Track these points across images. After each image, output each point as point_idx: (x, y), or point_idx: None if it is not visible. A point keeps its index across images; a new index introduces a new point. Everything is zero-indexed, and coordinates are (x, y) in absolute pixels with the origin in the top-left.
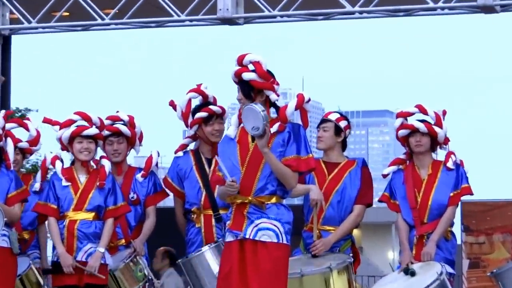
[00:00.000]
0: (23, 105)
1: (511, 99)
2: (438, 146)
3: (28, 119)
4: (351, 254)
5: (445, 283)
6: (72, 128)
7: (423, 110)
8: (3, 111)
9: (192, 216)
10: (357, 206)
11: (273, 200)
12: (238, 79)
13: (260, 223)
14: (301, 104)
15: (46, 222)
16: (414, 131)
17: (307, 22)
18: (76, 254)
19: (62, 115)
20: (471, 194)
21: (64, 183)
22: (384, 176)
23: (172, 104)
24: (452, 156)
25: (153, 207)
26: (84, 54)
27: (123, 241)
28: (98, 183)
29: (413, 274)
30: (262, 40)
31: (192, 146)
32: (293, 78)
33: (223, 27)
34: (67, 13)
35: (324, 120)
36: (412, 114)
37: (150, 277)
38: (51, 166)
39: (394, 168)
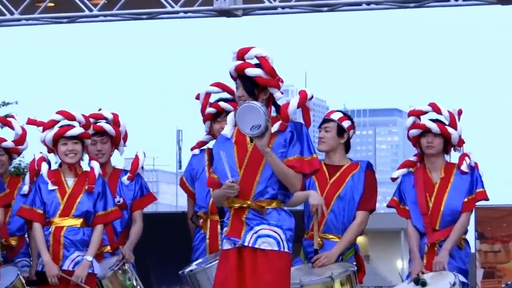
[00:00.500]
0: (2, 98)
1: None
2: (452, 148)
3: (12, 116)
4: (354, 263)
5: None
6: (55, 129)
7: (436, 109)
8: None
9: (199, 220)
10: (360, 213)
11: (274, 204)
12: (240, 74)
13: (260, 229)
14: (304, 102)
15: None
16: (426, 131)
17: (310, 14)
18: (62, 263)
19: (45, 110)
20: (487, 199)
21: (50, 186)
22: (393, 179)
23: (198, 98)
24: (467, 158)
25: (140, 212)
26: (70, 48)
27: (108, 248)
28: (86, 187)
29: (424, 284)
30: (262, 33)
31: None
32: (295, 73)
33: (220, 19)
34: (52, 4)
35: (326, 120)
36: (425, 113)
37: (139, 286)
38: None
39: (403, 171)
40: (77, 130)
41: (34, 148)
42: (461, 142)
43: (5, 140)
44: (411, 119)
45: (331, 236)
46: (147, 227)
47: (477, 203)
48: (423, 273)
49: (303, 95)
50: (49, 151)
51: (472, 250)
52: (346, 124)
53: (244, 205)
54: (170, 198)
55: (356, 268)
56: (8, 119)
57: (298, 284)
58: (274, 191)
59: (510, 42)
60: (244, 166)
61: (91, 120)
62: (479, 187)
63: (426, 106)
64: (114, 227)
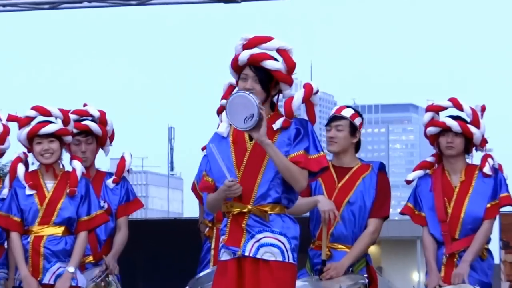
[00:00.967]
0: None
1: None
2: (474, 148)
3: None
4: (365, 275)
5: None
6: (29, 127)
7: (457, 105)
8: None
9: (206, 230)
10: (373, 220)
11: (277, 210)
12: (254, 64)
13: (263, 237)
14: (309, 96)
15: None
16: (445, 129)
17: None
18: (42, 276)
19: (25, 104)
20: None
21: (28, 191)
22: (408, 182)
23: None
24: (490, 159)
25: (125, 218)
26: (50, 36)
27: (90, 258)
28: (68, 190)
29: None
30: (262, 20)
31: None
32: (299, 64)
33: (217, 5)
34: None
35: (337, 117)
36: (444, 108)
37: None
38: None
39: (419, 173)
40: (52, 127)
41: (19, 147)
42: (484, 141)
43: None
44: (429, 115)
45: (340, 246)
46: (135, 235)
47: (501, 209)
48: (440, 286)
49: (308, 88)
50: (29, 150)
51: (496, 261)
52: (357, 121)
53: (244, 210)
54: (161, 203)
55: (367, 281)
56: None
57: None
58: (277, 194)
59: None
60: (243, 167)
61: (74, 117)
62: (504, 191)
63: (445, 101)
64: (97, 235)
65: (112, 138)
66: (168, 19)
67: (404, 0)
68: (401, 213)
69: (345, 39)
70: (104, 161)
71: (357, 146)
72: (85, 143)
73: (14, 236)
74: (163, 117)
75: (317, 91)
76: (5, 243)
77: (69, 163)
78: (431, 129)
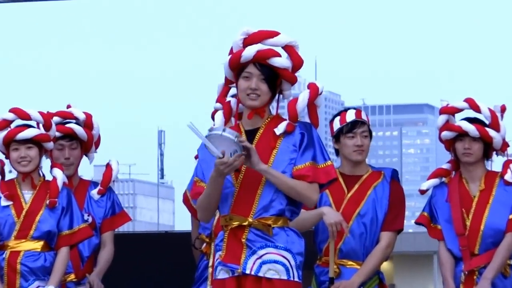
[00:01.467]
0: None
1: None
2: (494, 153)
3: None
4: None
5: None
6: (6, 131)
7: (474, 106)
8: None
9: (203, 246)
10: (385, 234)
11: (280, 222)
12: (259, 61)
13: (265, 254)
14: (315, 97)
15: None
16: (462, 134)
17: None
18: None
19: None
20: None
21: (4, 202)
22: (422, 192)
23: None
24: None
25: (110, 233)
26: (28, 30)
27: (72, 276)
28: (48, 201)
29: None
30: (263, 12)
31: None
32: (304, 61)
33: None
34: None
35: (360, 122)
36: (460, 110)
37: None
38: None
39: (435, 181)
40: (31, 131)
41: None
42: (505, 145)
43: None
44: (443, 118)
45: (350, 263)
46: (122, 250)
47: None
48: None
49: (314, 89)
50: (7, 157)
51: None
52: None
53: (244, 223)
54: (150, 215)
55: None
56: None
57: None
58: (281, 206)
59: None
60: (241, 176)
61: (57, 119)
62: None
63: (461, 102)
64: (80, 251)
65: (97, 143)
66: (153, 10)
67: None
68: (417, 222)
69: (353, 32)
70: (86, 169)
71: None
72: (68, 148)
73: None
74: (152, 120)
75: (322, 92)
76: None
77: (50, 172)
78: (446, 134)
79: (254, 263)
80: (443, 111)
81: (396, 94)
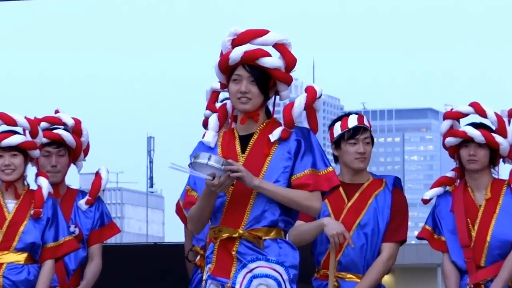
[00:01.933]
0: None
1: None
2: (501, 160)
3: None
4: None
5: None
6: None
7: (480, 111)
8: None
9: (197, 258)
10: (387, 245)
11: (273, 234)
12: (248, 63)
13: (256, 267)
14: (312, 102)
15: None
16: (467, 140)
17: None
18: None
19: None
20: None
21: None
22: (425, 202)
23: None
24: None
25: (98, 246)
26: (22, 31)
27: None
28: (32, 212)
29: None
30: (260, 14)
31: None
32: (300, 62)
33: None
34: None
35: (362, 129)
36: (465, 115)
37: None
38: None
39: (438, 190)
40: (16, 138)
41: None
42: None
43: None
44: (447, 123)
45: (349, 275)
46: (109, 262)
47: None
48: None
49: (311, 93)
50: None
51: None
52: None
53: (234, 235)
54: (139, 225)
55: None
56: None
57: None
58: (273, 217)
59: None
60: (233, 186)
61: (45, 125)
62: None
63: (466, 107)
64: (66, 264)
65: (86, 151)
66: (142, 15)
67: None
68: (418, 237)
69: (352, 33)
70: (72, 177)
71: None
72: (56, 155)
73: None
74: (141, 125)
75: (320, 95)
76: None
77: (34, 180)
78: (450, 140)
79: (244, 277)
80: (447, 116)
81: (398, 98)
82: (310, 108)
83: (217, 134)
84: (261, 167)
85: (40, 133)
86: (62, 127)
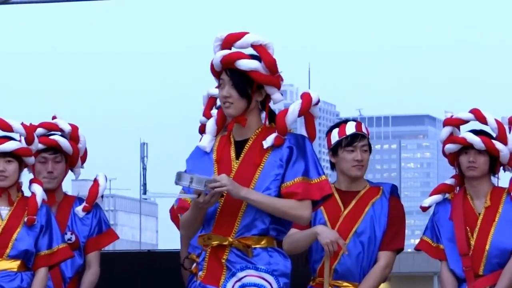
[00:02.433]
0: None
1: None
2: (501, 168)
3: None
4: None
5: None
6: None
7: (480, 117)
8: None
9: (193, 266)
10: (384, 253)
11: (263, 243)
12: (228, 67)
13: (245, 276)
14: (307, 108)
15: None
16: (466, 147)
17: None
18: None
19: None
20: None
21: None
22: (424, 209)
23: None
24: None
25: (96, 254)
26: (14, 34)
27: None
28: (26, 219)
29: None
30: (257, 20)
31: None
32: (296, 68)
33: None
34: None
35: (360, 136)
36: (465, 122)
37: None
38: None
39: (437, 198)
40: (11, 144)
41: None
42: None
43: None
44: (447, 130)
45: (345, 284)
46: (101, 270)
47: None
48: None
49: (306, 99)
50: None
51: None
52: None
53: (225, 243)
54: (132, 232)
55: None
56: None
57: None
58: (264, 226)
59: None
60: (224, 194)
61: (41, 130)
62: None
63: (466, 113)
64: (62, 272)
65: (84, 158)
66: (135, 21)
67: None
68: (416, 249)
69: (348, 39)
70: (67, 184)
71: None
72: (52, 162)
73: None
74: (135, 131)
75: (318, 102)
76: None
77: (28, 187)
78: (450, 147)
79: (233, 286)
80: (447, 122)
81: (395, 104)
82: (307, 115)
83: (214, 138)
84: (253, 174)
85: (36, 140)
86: (59, 133)
